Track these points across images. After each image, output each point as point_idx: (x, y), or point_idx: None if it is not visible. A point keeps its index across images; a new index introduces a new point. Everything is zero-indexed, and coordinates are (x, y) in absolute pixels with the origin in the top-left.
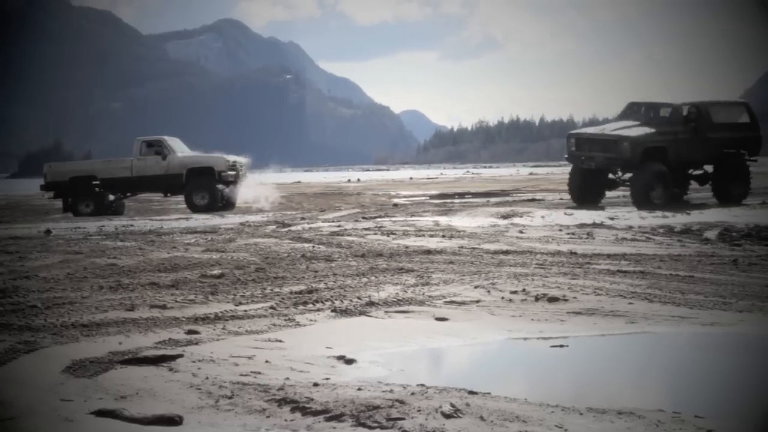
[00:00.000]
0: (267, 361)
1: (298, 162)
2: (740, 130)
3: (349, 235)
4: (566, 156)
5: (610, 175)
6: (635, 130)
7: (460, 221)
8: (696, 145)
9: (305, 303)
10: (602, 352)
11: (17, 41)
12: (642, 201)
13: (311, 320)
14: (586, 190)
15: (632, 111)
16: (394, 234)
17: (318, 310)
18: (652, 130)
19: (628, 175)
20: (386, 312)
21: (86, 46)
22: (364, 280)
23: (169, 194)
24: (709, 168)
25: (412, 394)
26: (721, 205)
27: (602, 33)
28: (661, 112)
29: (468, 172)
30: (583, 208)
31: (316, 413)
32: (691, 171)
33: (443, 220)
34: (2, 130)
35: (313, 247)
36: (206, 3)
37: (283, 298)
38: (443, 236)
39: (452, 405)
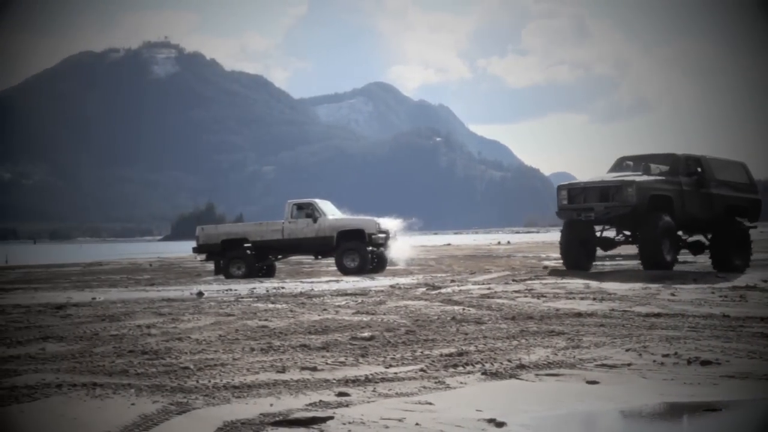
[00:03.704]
0: (417, 424)
1: (448, 224)
2: (741, 190)
3: (499, 297)
4: (557, 211)
5: (607, 233)
6: (638, 177)
7: (611, 284)
8: (700, 200)
9: (455, 365)
10: (756, 416)
11: (172, 107)
12: (654, 258)
13: (461, 383)
14: (581, 252)
15: (623, 167)
16: (545, 297)
17: (468, 372)
18: (659, 177)
19: (626, 233)
20: (537, 375)
21: (239, 110)
22: (515, 342)
23: (319, 256)
24: (695, 237)
25: None
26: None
27: (759, 92)
28: (657, 165)
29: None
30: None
31: None
32: (684, 237)
33: (594, 282)
34: (157, 193)
35: (463, 309)
36: (357, 67)
37: (433, 361)
38: (594, 299)
39: None
